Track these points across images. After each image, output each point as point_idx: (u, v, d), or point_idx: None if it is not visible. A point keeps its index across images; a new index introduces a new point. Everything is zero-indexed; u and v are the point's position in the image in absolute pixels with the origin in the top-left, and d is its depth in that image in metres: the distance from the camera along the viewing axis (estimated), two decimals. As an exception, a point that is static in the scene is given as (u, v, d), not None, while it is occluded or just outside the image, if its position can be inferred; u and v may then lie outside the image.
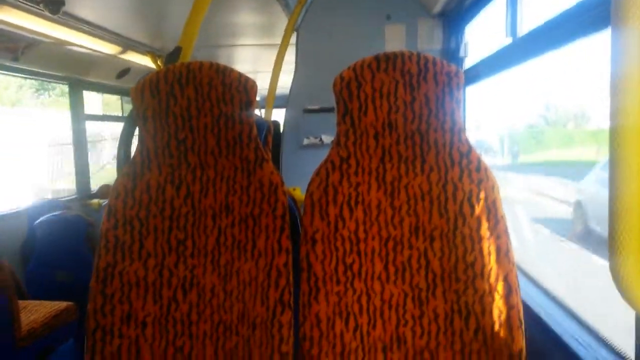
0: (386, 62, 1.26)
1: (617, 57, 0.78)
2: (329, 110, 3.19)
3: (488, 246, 1.22)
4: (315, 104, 3.24)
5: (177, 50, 1.71)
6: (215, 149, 1.31)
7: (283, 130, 3.37)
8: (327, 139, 3.28)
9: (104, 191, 4.62)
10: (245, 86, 1.30)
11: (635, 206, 0.76)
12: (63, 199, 4.14)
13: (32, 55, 3.53)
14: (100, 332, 1.24)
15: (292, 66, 3.33)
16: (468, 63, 3.03)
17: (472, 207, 1.24)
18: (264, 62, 5.10)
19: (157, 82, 1.29)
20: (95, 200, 4.42)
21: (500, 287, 1.21)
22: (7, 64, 3.46)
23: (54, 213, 3.06)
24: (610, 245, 0.78)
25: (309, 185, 1.29)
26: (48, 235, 2.97)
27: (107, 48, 4.03)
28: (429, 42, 3.14)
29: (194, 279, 1.29)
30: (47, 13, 2.94)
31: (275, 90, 3.84)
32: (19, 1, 2.79)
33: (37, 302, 2.56)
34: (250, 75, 1.33)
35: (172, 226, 1.30)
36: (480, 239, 1.23)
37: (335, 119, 1.30)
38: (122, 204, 1.29)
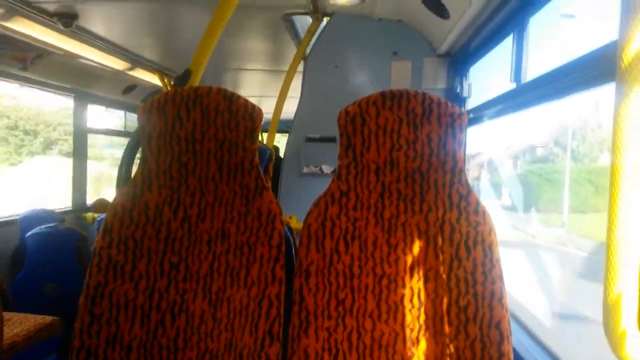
0: (391, 100, 1.27)
1: (619, 111, 0.79)
2: (330, 140, 3.21)
3: (482, 291, 1.21)
4: (318, 133, 3.26)
5: (187, 74, 1.73)
6: (216, 174, 1.31)
7: (284, 156, 3.38)
8: (327, 168, 3.29)
9: (97, 205, 4.61)
10: (252, 114, 1.30)
11: (629, 271, 0.77)
12: (57, 211, 4.11)
13: (41, 66, 3.57)
14: (84, 352, 1.21)
15: (297, 93, 3.37)
16: (471, 104, 3.06)
17: (468, 250, 1.23)
18: (269, 87, 5.16)
19: (165, 103, 1.30)
20: (90, 214, 4.40)
21: (492, 333, 1.19)
22: (16, 72, 3.49)
23: (47, 225, 3.03)
24: (604, 302, 0.78)
25: (307, 216, 1.29)
26: (39, 247, 2.93)
27: (116, 63, 4.07)
28: (434, 81, 3.18)
29: (183, 304, 1.27)
30: (60, 26, 2.99)
31: (280, 115, 3.87)
32: (33, 13, 2.83)
33: (22, 314, 2.52)
34: (255, 100, 1.34)
35: (166, 249, 1.29)
36: (474, 282, 1.22)
37: (337, 149, 1.31)
38: (118, 222, 1.28)
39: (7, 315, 2.42)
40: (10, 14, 2.79)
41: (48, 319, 2.49)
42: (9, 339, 2.20)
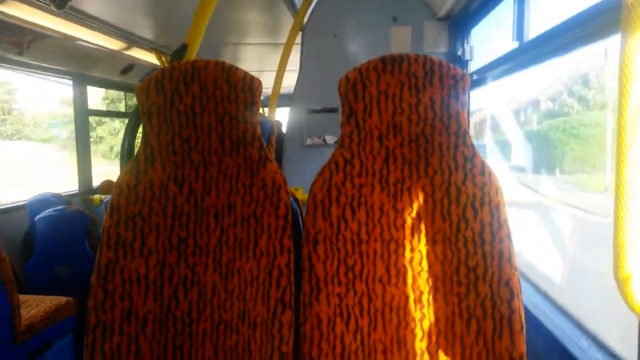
0: (392, 64, 1.25)
1: (626, 62, 0.78)
2: (332, 110, 3.19)
3: (490, 250, 1.22)
4: (319, 104, 3.24)
5: (183, 48, 1.71)
6: (219, 147, 1.31)
7: (286, 129, 3.37)
8: (331, 139, 3.28)
9: (105, 186, 4.63)
10: (250, 86, 1.29)
11: (638, 219, 0.76)
12: (65, 194, 4.14)
13: (37, 50, 3.54)
14: (100, 328, 1.24)
15: (297, 66, 3.33)
16: (473, 66, 3.03)
17: (475, 211, 1.23)
18: (268, 61, 5.11)
19: (163, 79, 1.29)
20: (97, 196, 4.42)
21: (502, 291, 1.20)
22: (12, 57, 3.46)
23: (55, 208, 3.06)
24: (614, 252, 0.78)
25: (312, 185, 1.28)
26: (49, 230, 2.96)
27: (112, 44, 4.03)
28: (435, 45, 3.14)
29: (194, 277, 1.28)
30: (53, 8, 2.95)
31: (280, 89, 3.85)
32: None
33: (37, 296, 2.56)
34: (255, 74, 1.32)
35: (174, 224, 1.30)
36: (482, 242, 1.22)
37: (339, 119, 1.30)
38: (125, 200, 1.29)
39: (23, 297, 2.47)
40: None
41: (63, 299, 2.54)
42: (26, 320, 2.25)
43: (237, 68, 1.30)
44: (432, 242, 1.25)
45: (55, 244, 2.95)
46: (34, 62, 3.72)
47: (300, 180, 2.83)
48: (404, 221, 1.27)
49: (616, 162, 0.80)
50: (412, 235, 1.26)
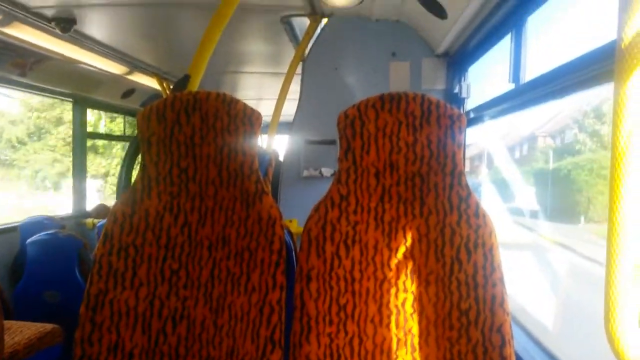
0: (390, 102, 1.26)
1: (619, 110, 0.79)
2: (330, 142, 3.21)
3: (483, 294, 1.20)
4: (317, 135, 3.26)
5: (186, 79, 1.73)
6: (216, 179, 1.30)
7: (284, 159, 3.38)
8: (327, 171, 3.28)
9: (99, 210, 4.60)
10: (251, 118, 1.30)
11: (629, 271, 0.76)
12: (57, 217, 4.11)
13: (40, 72, 3.57)
14: None
15: (296, 95, 3.36)
16: (470, 104, 3.06)
17: (469, 253, 1.22)
18: (268, 89, 5.16)
19: (164, 109, 1.29)
20: (90, 220, 4.39)
21: (493, 337, 1.18)
22: (15, 78, 3.49)
23: (47, 232, 3.03)
24: (606, 306, 0.78)
25: (308, 221, 1.28)
26: (39, 255, 2.92)
27: (115, 68, 4.07)
28: (433, 82, 3.18)
29: (184, 311, 1.26)
30: (58, 31, 2.99)
31: (279, 118, 3.87)
32: (31, 18, 2.82)
33: (22, 323, 2.51)
34: (254, 102, 1.33)
35: (166, 255, 1.28)
36: (475, 286, 1.21)
37: (336, 151, 1.30)
38: (119, 229, 1.28)
39: (7, 323, 2.42)
40: (9, 19, 2.78)
41: (49, 326, 2.48)
42: (10, 348, 2.19)
43: (237, 100, 1.31)
44: (425, 283, 1.24)
45: (45, 269, 2.91)
46: (35, 84, 3.74)
47: (295, 211, 2.82)
48: (398, 261, 1.26)
49: (609, 212, 0.80)
50: (406, 275, 1.25)
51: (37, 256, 2.92)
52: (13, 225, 3.57)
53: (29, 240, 2.96)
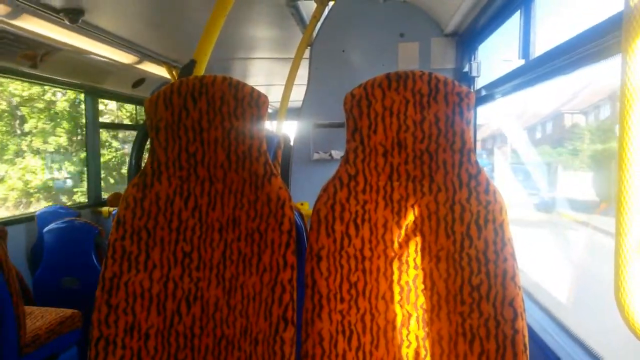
0: (397, 81, 1.26)
1: (627, 82, 0.78)
2: (339, 125, 3.20)
3: (494, 269, 1.21)
4: (326, 119, 3.25)
5: (192, 64, 1.74)
6: (225, 162, 1.32)
7: (293, 143, 3.38)
8: (337, 154, 3.29)
9: (112, 199, 4.66)
10: (257, 101, 1.31)
11: (637, 242, 0.76)
12: (74, 206, 4.17)
13: (50, 63, 3.60)
14: (103, 342, 1.24)
15: (305, 80, 3.35)
16: (480, 83, 3.03)
17: (480, 229, 1.23)
18: (277, 75, 5.15)
19: (171, 94, 1.31)
20: (105, 208, 4.45)
21: (505, 311, 1.19)
22: (26, 70, 3.52)
23: (64, 220, 3.08)
24: (616, 275, 0.78)
25: (317, 201, 1.29)
26: (56, 242, 2.99)
27: (124, 58, 4.09)
28: (442, 61, 3.15)
29: (198, 292, 1.29)
30: (66, 22, 3.01)
31: (288, 103, 3.87)
32: (39, 9, 2.84)
33: (43, 308, 2.57)
34: (263, 88, 1.34)
35: (178, 238, 1.30)
36: (486, 261, 1.21)
37: (345, 134, 1.30)
38: (131, 214, 1.30)
39: (28, 309, 2.48)
40: (18, 12, 2.81)
41: (68, 311, 2.55)
42: (31, 332, 2.25)
43: (244, 84, 1.31)
44: (435, 259, 1.25)
45: (62, 256, 2.97)
46: (46, 75, 3.78)
47: (306, 194, 2.83)
48: (408, 238, 1.26)
49: (618, 188, 0.80)
50: (416, 252, 1.26)
51: (54, 244, 2.98)
52: (30, 214, 3.64)
53: (46, 229, 3.01)
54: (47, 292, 2.93)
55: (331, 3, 3.25)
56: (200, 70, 1.75)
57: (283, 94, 3.82)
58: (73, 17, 2.98)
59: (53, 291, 2.93)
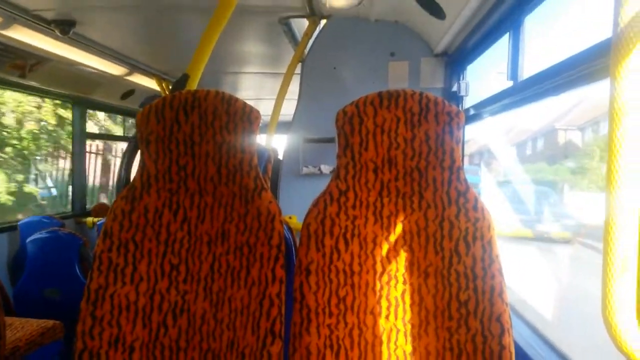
0: (389, 99, 1.28)
1: (615, 106, 0.81)
2: (329, 140, 3.22)
3: (482, 285, 1.22)
4: (316, 134, 3.27)
5: (185, 78, 1.74)
6: (215, 176, 1.32)
7: (283, 157, 3.39)
8: (326, 169, 3.30)
9: (98, 209, 4.62)
10: (250, 116, 1.31)
11: (627, 266, 0.78)
12: (57, 216, 4.12)
13: (39, 73, 3.58)
14: (87, 354, 1.22)
15: (296, 95, 3.38)
16: (468, 102, 3.08)
17: (468, 246, 1.24)
18: (267, 89, 5.17)
19: (163, 108, 1.31)
20: (90, 219, 4.40)
21: (493, 327, 1.20)
22: (14, 80, 3.50)
23: (47, 230, 3.04)
24: (603, 293, 0.79)
25: (307, 216, 1.29)
26: (40, 252, 2.94)
27: (114, 69, 4.08)
28: (431, 81, 3.20)
29: (184, 304, 1.28)
30: (57, 33, 3.00)
31: (278, 117, 3.89)
32: (31, 20, 2.84)
33: (24, 319, 2.52)
34: (253, 102, 1.35)
35: (166, 251, 1.30)
36: (474, 277, 1.23)
37: (335, 149, 1.32)
38: (118, 226, 1.29)
39: (9, 319, 2.43)
40: (9, 22, 2.80)
41: (50, 322, 2.50)
42: (11, 344, 2.21)
43: (236, 98, 1.32)
44: (424, 275, 1.26)
45: (45, 266, 2.92)
46: (35, 85, 3.75)
47: (294, 208, 2.83)
48: (397, 254, 1.27)
49: (606, 206, 0.82)
50: (405, 268, 1.27)
51: (37, 254, 2.93)
52: (13, 224, 3.58)
53: (29, 239, 2.97)
54: (29, 303, 2.88)
55: (323, 22, 3.29)
56: (193, 85, 1.76)
57: (274, 108, 3.84)
58: (64, 28, 2.98)
59: (35, 302, 2.88)
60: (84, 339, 1.23)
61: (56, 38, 3.15)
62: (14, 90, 3.79)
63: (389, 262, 1.27)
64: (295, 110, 3.34)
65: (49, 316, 2.59)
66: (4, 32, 2.88)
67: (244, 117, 1.31)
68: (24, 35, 3.02)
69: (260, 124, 1.34)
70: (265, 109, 4.56)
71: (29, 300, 2.89)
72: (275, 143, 5.12)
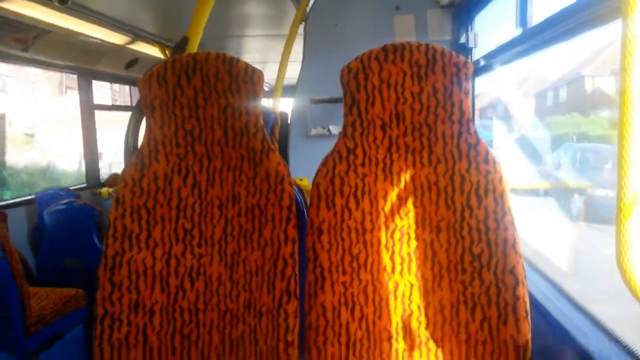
0: (394, 53, 1.25)
1: (628, 48, 0.78)
2: (337, 100, 3.19)
3: (495, 238, 1.22)
4: (323, 94, 3.24)
5: (184, 41, 1.71)
6: (222, 139, 1.31)
7: (290, 120, 3.37)
8: (335, 129, 3.28)
9: (112, 180, 4.66)
10: (252, 77, 1.30)
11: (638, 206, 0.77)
12: (72, 188, 4.17)
13: (42, 46, 3.55)
14: (108, 319, 1.26)
15: (300, 57, 3.32)
16: (478, 54, 3.01)
17: (480, 199, 1.24)
18: (272, 52, 5.10)
19: (165, 72, 1.29)
20: (104, 189, 4.45)
21: (506, 278, 1.21)
22: (17, 53, 3.48)
23: (63, 201, 3.09)
24: (617, 239, 0.78)
25: (316, 175, 1.29)
26: (57, 223, 2.99)
27: (116, 38, 4.03)
28: (439, 33, 3.12)
29: (200, 267, 1.30)
30: (56, 3, 2.96)
31: (283, 80, 3.84)
32: None
33: (47, 289, 2.59)
34: (259, 66, 1.33)
35: (179, 216, 1.31)
36: (487, 230, 1.22)
37: (343, 109, 1.30)
38: (130, 193, 1.30)
39: (33, 289, 2.50)
40: None
41: (72, 291, 2.57)
42: (37, 312, 2.28)
43: (238, 59, 1.30)
44: (436, 230, 1.26)
45: (63, 237, 2.98)
46: (38, 58, 3.73)
47: (305, 170, 2.83)
48: (408, 210, 1.27)
49: (619, 150, 0.80)
50: (417, 223, 1.27)
51: (55, 225, 2.99)
52: (30, 197, 3.64)
53: (46, 211, 3.02)
54: (50, 273, 2.95)
55: None
56: (193, 48, 1.73)
57: (278, 71, 3.79)
58: None
59: (56, 272, 2.95)
60: (104, 304, 1.26)
61: (55, 9, 3.11)
62: (17, 64, 3.77)
63: (401, 218, 1.27)
64: (300, 70, 3.29)
65: (71, 285, 2.66)
66: (3, 5, 2.85)
67: (246, 78, 1.29)
68: (23, 8, 2.98)
69: (267, 88, 1.32)
70: (271, 72, 4.51)
71: (50, 271, 2.97)
72: (283, 106, 5.09)
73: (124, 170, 1.33)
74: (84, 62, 4.25)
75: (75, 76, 4.45)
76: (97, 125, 4.56)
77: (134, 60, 4.76)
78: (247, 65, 1.30)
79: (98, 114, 4.62)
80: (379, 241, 1.27)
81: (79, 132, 4.50)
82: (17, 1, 2.89)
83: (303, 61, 3.28)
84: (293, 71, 3.77)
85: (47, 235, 3.01)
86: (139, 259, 1.28)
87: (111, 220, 1.30)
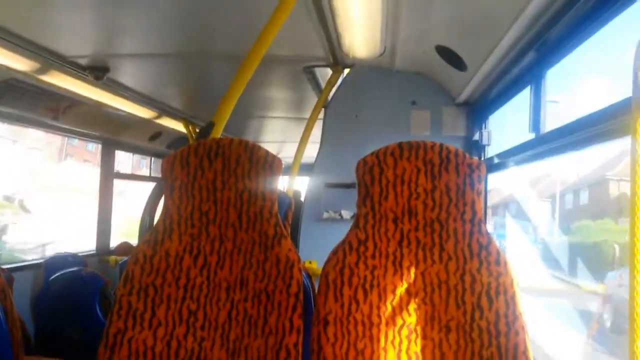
0: (409, 150, 1.29)
1: (638, 162, 0.80)
2: (349, 185, 3.23)
3: (505, 343, 1.19)
4: (337, 179, 3.29)
5: (210, 126, 1.79)
6: (236, 222, 1.34)
7: (304, 201, 3.41)
8: (347, 214, 3.29)
9: (122, 249, 4.66)
10: (272, 164, 1.34)
11: None
12: (81, 254, 4.17)
13: (71, 115, 3.71)
14: None
15: (318, 138, 3.42)
16: (491, 151, 3.07)
17: (491, 301, 1.22)
18: (291, 133, 5.26)
19: (188, 155, 1.35)
20: (113, 257, 4.44)
21: None
22: (46, 121, 3.63)
23: (70, 269, 3.08)
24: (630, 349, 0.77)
25: (325, 264, 1.29)
26: (62, 292, 2.96)
27: (144, 113, 4.21)
28: (453, 130, 3.21)
29: (201, 352, 1.27)
30: (91, 79, 3.13)
31: (300, 160, 3.93)
32: (67, 66, 2.97)
33: (45, 358, 2.52)
34: (277, 145, 1.38)
35: (185, 296, 1.30)
36: (497, 334, 1.20)
37: (356, 195, 1.33)
38: (139, 270, 1.31)
39: (28, 359, 2.43)
40: (46, 68, 2.93)
41: None
42: None
43: (259, 147, 1.35)
44: (445, 329, 1.23)
45: (67, 306, 2.94)
46: (66, 126, 3.88)
47: (315, 253, 2.82)
48: (417, 306, 1.25)
49: (630, 261, 0.80)
50: (425, 321, 1.24)
51: (59, 293, 2.96)
52: (38, 262, 3.64)
53: (52, 278, 3.00)
54: (49, 342, 2.88)
55: (346, 71, 3.36)
56: (218, 132, 1.80)
57: (296, 152, 3.89)
58: (98, 74, 3.10)
59: (55, 341, 2.88)
60: None
61: (90, 83, 3.28)
62: (46, 131, 3.92)
63: (409, 314, 1.25)
64: (317, 154, 3.37)
65: (69, 355, 2.58)
66: (42, 77, 3.01)
67: (265, 165, 1.33)
68: (59, 80, 3.15)
69: (284, 166, 1.36)
70: (288, 151, 4.62)
71: (50, 339, 2.90)
72: (298, 185, 5.16)
73: (137, 247, 1.35)
74: (110, 133, 4.41)
75: (77, 143, 4.60)
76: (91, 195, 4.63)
77: (158, 133, 4.93)
78: (267, 152, 1.35)
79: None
80: (386, 337, 1.24)
81: (74, 201, 4.58)
82: (55, 74, 3.06)
83: (321, 144, 3.37)
84: (309, 150, 3.87)
85: (50, 303, 2.97)
86: (139, 339, 1.26)
87: (117, 296, 1.29)
